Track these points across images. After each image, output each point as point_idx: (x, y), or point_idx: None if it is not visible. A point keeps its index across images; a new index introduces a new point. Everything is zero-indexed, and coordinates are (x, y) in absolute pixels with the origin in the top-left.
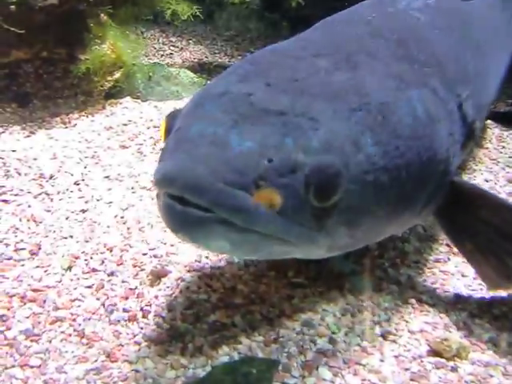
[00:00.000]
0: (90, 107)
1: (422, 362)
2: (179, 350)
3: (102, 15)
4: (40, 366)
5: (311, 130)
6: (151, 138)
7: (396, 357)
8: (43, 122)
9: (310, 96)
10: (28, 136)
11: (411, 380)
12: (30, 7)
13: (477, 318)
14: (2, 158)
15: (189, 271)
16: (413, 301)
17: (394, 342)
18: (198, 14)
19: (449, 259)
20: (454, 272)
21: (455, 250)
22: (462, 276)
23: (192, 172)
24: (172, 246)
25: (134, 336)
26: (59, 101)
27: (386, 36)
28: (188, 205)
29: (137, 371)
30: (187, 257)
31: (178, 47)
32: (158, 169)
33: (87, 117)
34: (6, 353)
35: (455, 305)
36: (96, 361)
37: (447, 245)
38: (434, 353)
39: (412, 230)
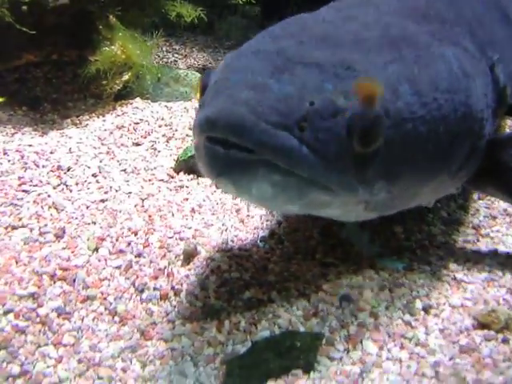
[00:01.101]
0: (101, 108)
1: (469, 335)
2: (215, 328)
3: (111, 17)
4: (73, 344)
5: (349, 77)
6: (164, 135)
7: (441, 330)
8: (54, 123)
9: (344, 50)
10: (41, 136)
11: (461, 353)
12: (41, 7)
13: None
14: (20, 152)
15: (218, 252)
16: (448, 279)
17: (437, 316)
18: (202, 16)
19: (478, 240)
20: (485, 251)
21: (483, 232)
22: (495, 255)
23: (235, 113)
24: (197, 230)
25: (167, 314)
26: (69, 104)
27: None
28: (231, 148)
29: (173, 349)
30: (214, 240)
31: (181, 54)
32: (198, 116)
33: (98, 117)
34: (39, 331)
35: (492, 282)
36: (130, 339)
37: (473, 228)
38: (482, 326)
39: (436, 214)
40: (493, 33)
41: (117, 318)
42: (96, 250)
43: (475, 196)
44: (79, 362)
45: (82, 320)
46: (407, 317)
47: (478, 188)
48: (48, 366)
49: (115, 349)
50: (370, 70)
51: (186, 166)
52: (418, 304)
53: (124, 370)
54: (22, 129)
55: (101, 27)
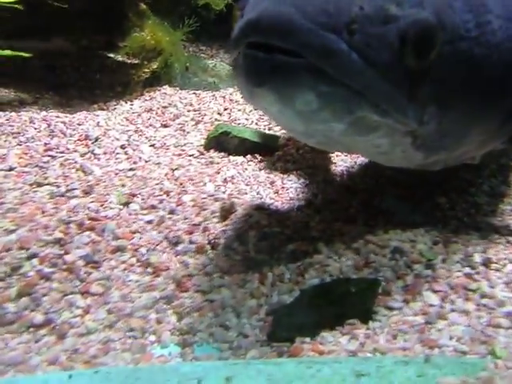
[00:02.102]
0: (128, 95)
1: None
2: (257, 280)
3: (142, 5)
4: (102, 293)
5: None
6: (192, 119)
7: (507, 284)
8: (81, 107)
9: None
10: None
11: None
12: None
13: None
14: (46, 121)
15: (256, 209)
16: (502, 241)
17: (498, 270)
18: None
19: None
20: None
21: None
22: None
23: (279, 13)
24: (231, 194)
25: (205, 267)
26: (96, 91)
27: None
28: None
29: (212, 301)
30: (251, 200)
31: (208, 54)
32: (238, 25)
33: (126, 102)
34: (66, 278)
35: None
36: (164, 289)
37: None
38: None
39: (478, 188)
40: None
41: (150, 270)
42: (127, 204)
43: None
44: (109, 312)
45: (112, 270)
46: (467, 269)
47: None
48: (75, 316)
49: (148, 299)
50: None
51: (217, 142)
52: (477, 258)
53: (159, 322)
54: (48, 109)
55: (131, 14)
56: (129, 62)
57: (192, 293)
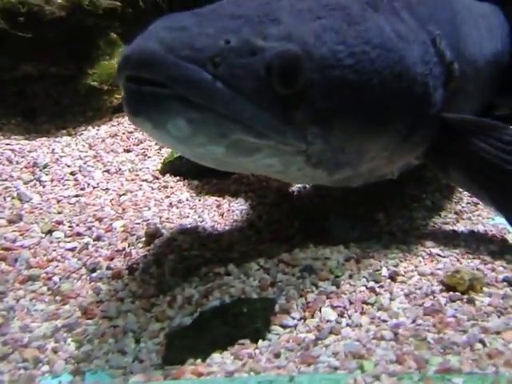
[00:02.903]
0: (98, 120)
1: (434, 297)
2: (167, 303)
3: (112, 34)
4: (1, 325)
5: (273, 24)
6: (156, 144)
7: (407, 295)
8: (48, 133)
9: (277, 9)
10: (28, 141)
11: (425, 315)
12: (38, 19)
13: (489, 264)
14: None
15: (182, 233)
16: (422, 253)
17: (404, 282)
18: None
19: (458, 222)
20: (463, 230)
21: (464, 216)
22: (473, 233)
23: (147, 48)
24: (168, 218)
25: (117, 292)
26: (67, 117)
27: None
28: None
29: (115, 326)
30: (180, 224)
31: None
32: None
33: (93, 128)
34: None
35: (466, 255)
36: (69, 317)
37: (455, 213)
38: (448, 288)
39: (420, 203)
40: (434, 12)
41: (58, 298)
42: (50, 232)
43: None
44: (4, 344)
45: (18, 300)
46: (371, 284)
47: (442, 170)
48: None
49: (48, 328)
50: (296, 20)
51: (173, 167)
52: (385, 272)
53: (55, 351)
54: (10, 136)
55: (101, 43)
56: (101, 88)
57: (98, 319)
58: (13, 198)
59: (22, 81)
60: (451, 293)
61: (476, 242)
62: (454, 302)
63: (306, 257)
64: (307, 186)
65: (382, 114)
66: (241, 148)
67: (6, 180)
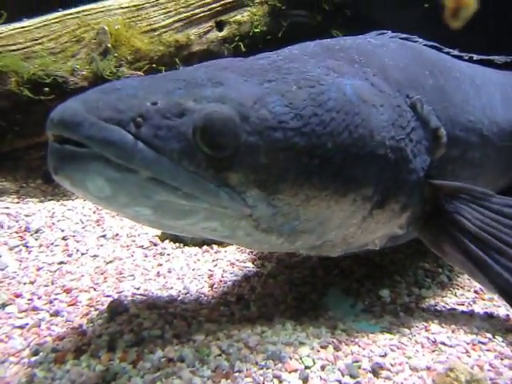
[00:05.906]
0: None
1: None
2: None
3: None
4: None
5: (211, 87)
6: None
7: None
8: (64, 196)
9: (224, 73)
10: (40, 203)
11: None
12: (62, 89)
13: (507, 359)
14: None
15: (149, 309)
16: (424, 340)
17: (388, 379)
18: None
19: (475, 302)
20: (480, 313)
21: (485, 296)
22: (491, 317)
23: (69, 109)
24: (146, 290)
25: (53, 381)
26: None
27: (335, 48)
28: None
29: None
30: (156, 300)
31: None
32: None
33: None
34: None
35: (478, 345)
36: None
37: (475, 292)
38: None
39: (435, 279)
40: (415, 78)
41: None
42: (3, 306)
43: None
44: None
45: None
46: (346, 379)
47: (434, 244)
48: None
49: None
50: (236, 84)
51: (173, 233)
52: (366, 364)
53: None
54: (25, 199)
55: None
56: None
57: None
58: None
59: (47, 146)
60: None
61: (493, 330)
62: None
63: (277, 341)
64: (311, 255)
65: (339, 179)
66: (170, 210)
67: None
